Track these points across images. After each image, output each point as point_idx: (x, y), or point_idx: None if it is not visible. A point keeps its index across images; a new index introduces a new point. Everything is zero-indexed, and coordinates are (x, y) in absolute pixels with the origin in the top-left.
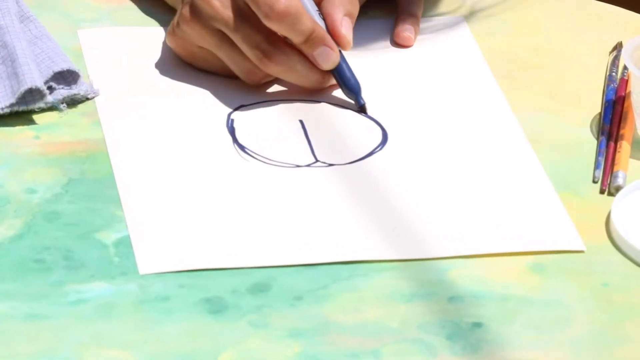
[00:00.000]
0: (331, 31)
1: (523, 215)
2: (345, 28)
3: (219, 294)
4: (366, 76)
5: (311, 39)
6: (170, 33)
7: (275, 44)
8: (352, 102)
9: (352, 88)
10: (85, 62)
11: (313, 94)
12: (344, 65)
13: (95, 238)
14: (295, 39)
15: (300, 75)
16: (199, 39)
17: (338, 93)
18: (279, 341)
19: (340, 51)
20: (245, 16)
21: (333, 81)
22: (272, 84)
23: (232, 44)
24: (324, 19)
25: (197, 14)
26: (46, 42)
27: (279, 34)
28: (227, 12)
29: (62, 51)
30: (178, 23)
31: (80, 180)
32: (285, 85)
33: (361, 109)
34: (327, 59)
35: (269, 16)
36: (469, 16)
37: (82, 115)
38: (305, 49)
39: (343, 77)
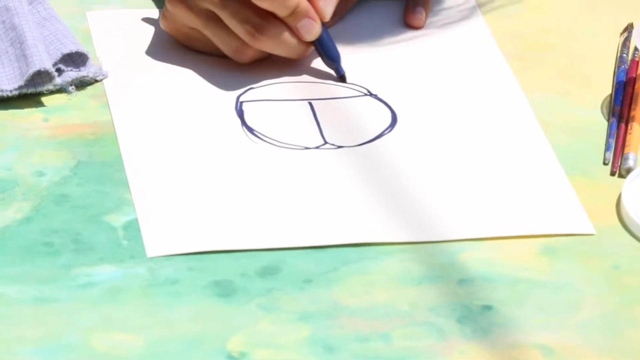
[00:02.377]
0: (311, 3)
1: (533, 198)
2: (325, 2)
3: (228, 277)
4: (375, 58)
5: (296, 12)
6: (162, 16)
7: (264, 17)
8: (333, 72)
9: (332, 57)
10: (94, 44)
11: (299, 68)
12: (324, 36)
13: (104, 221)
14: (282, 13)
15: (288, 48)
16: (186, 19)
17: (346, 77)
18: (289, 324)
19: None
20: None
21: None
22: (280, 65)
23: (219, 21)
24: None
25: None
26: (55, 24)
27: (264, 8)
28: None
29: (70, 33)
30: (166, 6)
31: (89, 163)
32: (294, 67)
33: (341, 78)
34: (310, 30)
35: None
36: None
37: (90, 97)
38: (290, 21)
39: (324, 47)
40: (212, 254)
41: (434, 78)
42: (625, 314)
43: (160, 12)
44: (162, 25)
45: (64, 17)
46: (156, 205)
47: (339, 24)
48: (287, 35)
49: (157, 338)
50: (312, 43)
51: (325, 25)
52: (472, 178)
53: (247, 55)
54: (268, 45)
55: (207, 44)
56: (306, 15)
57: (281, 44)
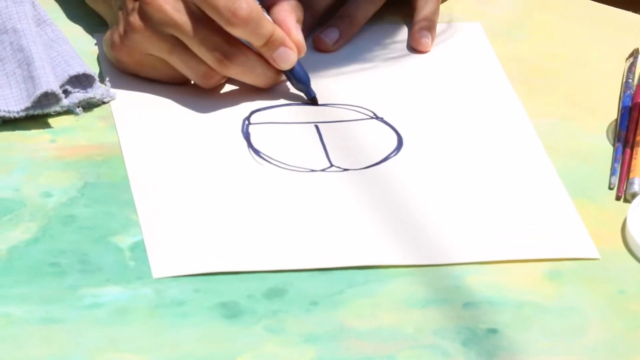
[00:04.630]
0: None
1: (538, 222)
2: (299, 34)
3: (235, 299)
4: (381, 81)
5: (271, 41)
6: (115, 43)
7: (234, 44)
8: (303, 95)
9: (301, 80)
10: (101, 66)
11: (267, 92)
12: None
13: (110, 242)
14: (256, 42)
15: (257, 75)
16: (149, 46)
17: (351, 99)
18: (295, 346)
19: None
20: (200, 20)
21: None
22: (286, 88)
23: (185, 48)
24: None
25: (148, 21)
26: (62, 45)
27: (237, 37)
28: (180, 17)
29: (77, 55)
30: (126, 32)
31: (96, 184)
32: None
33: (312, 101)
34: (287, 59)
35: (231, 22)
36: (485, 22)
37: (98, 119)
38: (264, 51)
39: (293, 71)
40: (218, 275)
41: (440, 102)
42: (631, 339)
43: (101, 37)
44: (112, 52)
45: (71, 39)
46: (162, 227)
47: (345, 48)
48: (256, 63)
49: (164, 359)
50: (282, 70)
51: (331, 49)
52: (478, 202)
53: (214, 81)
54: (237, 72)
55: (160, 71)
56: (282, 44)
57: (250, 72)
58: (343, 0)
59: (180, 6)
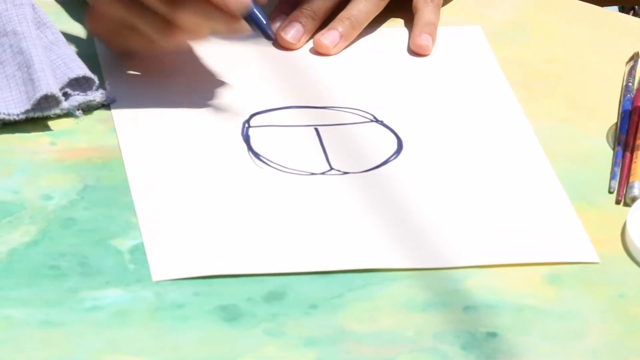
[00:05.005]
0: None
1: (538, 226)
2: None
3: (234, 302)
4: (382, 84)
5: None
6: (89, 17)
7: None
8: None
9: (258, 22)
10: (102, 69)
11: (306, 94)
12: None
13: (110, 245)
14: None
15: (214, 20)
16: (112, 9)
17: (351, 102)
18: (294, 350)
19: None
20: None
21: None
22: (287, 91)
23: (140, 4)
24: None
25: None
26: (62, 48)
27: None
28: None
29: (77, 57)
30: (90, 5)
31: (96, 187)
32: (300, 92)
33: (270, 40)
34: (240, 2)
35: None
36: (485, 25)
37: (98, 121)
38: None
39: (254, 18)
40: (218, 279)
41: (440, 105)
42: (631, 342)
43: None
44: (89, 27)
45: (71, 42)
46: (162, 230)
47: (346, 51)
48: (209, 8)
49: None
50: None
51: (332, 52)
52: (478, 205)
53: (175, 38)
54: (191, 19)
55: (134, 38)
56: None
57: (206, 18)
58: (344, 3)
59: None
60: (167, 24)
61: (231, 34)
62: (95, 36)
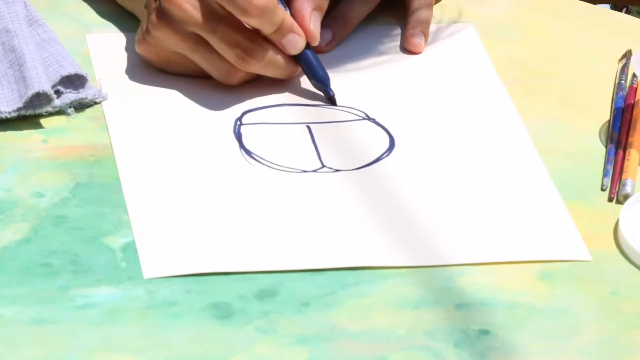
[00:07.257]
0: (300, 26)
1: (530, 224)
2: (314, 23)
3: (226, 300)
4: (374, 82)
5: (281, 28)
6: (140, 40)
7: (254, 40)
8: (322, 94)
9: (320, 79)
10: (94, 67)
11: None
12: (311, 57)
13: (102, 243)
14: (268, 29)
15: (276, 69)
16: (172, 44)
17: (344, 100)
18: (286, 347)
19: (308, 45)
20: (219, 16)
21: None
22: (279, 89)
23: (207, 46)
24: (293, 14)
25: (168, 19)
26: (54, 45)
27: (251, 27)
28: (199, 14)
29: (69, 55)
30: (148, 30)
31: (88, 185)
32: (292, 90)
33: (331, 100)
34: (295, 45)
35: (247, 12)
36: (478, 23)
37: (89, 119)
38: (275, 37)
39: (311, 68)
40: (210, 276)
41: (432, 103)
42: (623, 340)
43: (135, 35)
44: (139, 49)
45: (63, 40)
46: (154, 227)
47: (338, 48)
48: (275, 56)
49: (156, 359)
50: (300, 65)
51: (324, 50)
52: (470, 203)
53: (237, 78)
54: (258, 67)
55: (188, 68)
56: (291, 30)
57: (270, 66)
58: (337, 1)
59: (198, 3)
60: (232, 67)
61: (287, 77)
62: (146, 60)
